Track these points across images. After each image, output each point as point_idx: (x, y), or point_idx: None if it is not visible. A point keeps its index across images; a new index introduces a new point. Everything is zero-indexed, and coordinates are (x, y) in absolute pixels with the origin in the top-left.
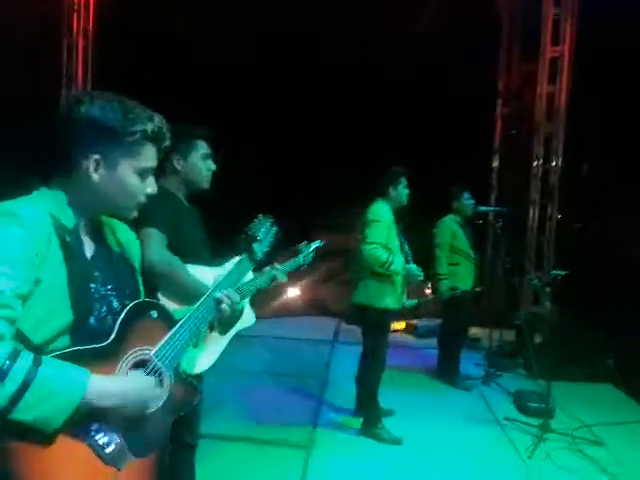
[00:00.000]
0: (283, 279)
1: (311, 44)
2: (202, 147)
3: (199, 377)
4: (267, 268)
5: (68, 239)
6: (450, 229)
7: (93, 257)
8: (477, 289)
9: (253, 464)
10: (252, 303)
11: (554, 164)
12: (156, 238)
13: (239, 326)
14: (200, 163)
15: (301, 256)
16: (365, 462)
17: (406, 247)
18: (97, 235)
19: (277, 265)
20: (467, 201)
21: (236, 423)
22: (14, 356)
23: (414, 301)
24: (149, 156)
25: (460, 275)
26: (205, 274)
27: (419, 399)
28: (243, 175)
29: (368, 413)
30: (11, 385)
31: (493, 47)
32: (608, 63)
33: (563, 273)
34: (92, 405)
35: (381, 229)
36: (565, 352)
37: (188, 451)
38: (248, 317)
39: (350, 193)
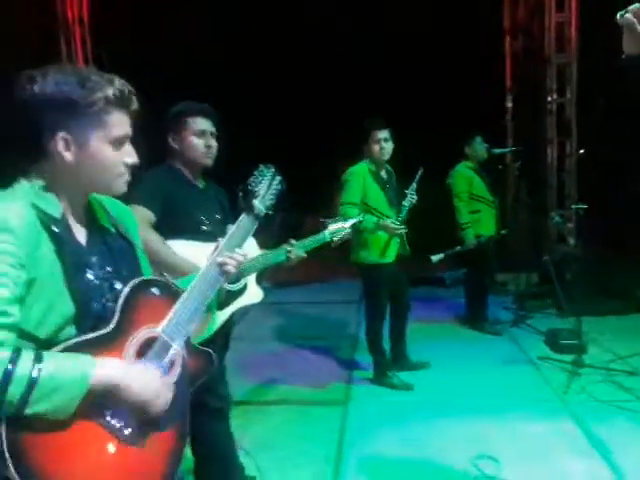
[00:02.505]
0: (298, 257)
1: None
2: (196, 123)
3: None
4: (284, 245)
5: (57, 229)
6: (465, 176)
7: (87, 241)
8: (502, 232)
9: (293, 425)
10: (261, 279)
11: (569, 97)
12: (139, 215)
13: (242, 302)
14: (195, 140)
15: (327, 232)
16: (401, 413)
17: (406, 200)
18: (89, 217)
19: (292, 241)
20: (479, 145)
21: (273, 388)
22: (15, 359)
23: (440, 255)
24: (119, 123)
25: (482, 222)
26: (198, 250)
27: (451, 348)
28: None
29: (375, 363)
30: (18, 388)
31: None
32: None
33: (584, 207)
34: (102, 390)
35: (353, 188)
36: (594, 287)
37: (218, 415)
38: (254, 294)
39: None
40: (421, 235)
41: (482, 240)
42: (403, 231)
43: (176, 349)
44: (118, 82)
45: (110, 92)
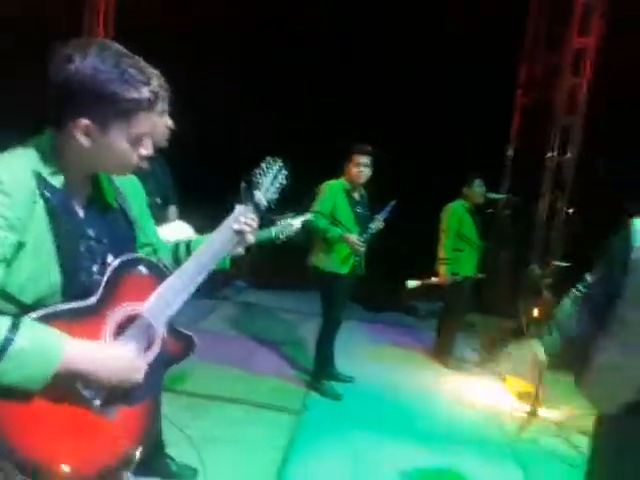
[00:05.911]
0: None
1: None
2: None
3: None
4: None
5: (54, 199)
6: (457, 214)
7: (86, 213)
8: (479, 276)
9: (243, 425)
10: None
11: (569, 156)
12: None
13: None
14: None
15: (274, 229)
16: (351, 428)
17: (373, 224)
18: (94, 190)
19: None
20: (478, 187)
21: (231, 385)
22: None
23: (416, 282)
24: (144, 122)
25: (462, 261)
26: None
27: (414, 377)
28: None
29: (315, 369)
30: None
31: (518, 35)
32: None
33: (565, 264)
34: (70, 369)
35: (325, 201)
36: None
37: None
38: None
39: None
40: (402, 262)
41: (457, 279)
42: (363, 249)
43: (157, 329)
44: (156, 82)
45: (145, 95)
